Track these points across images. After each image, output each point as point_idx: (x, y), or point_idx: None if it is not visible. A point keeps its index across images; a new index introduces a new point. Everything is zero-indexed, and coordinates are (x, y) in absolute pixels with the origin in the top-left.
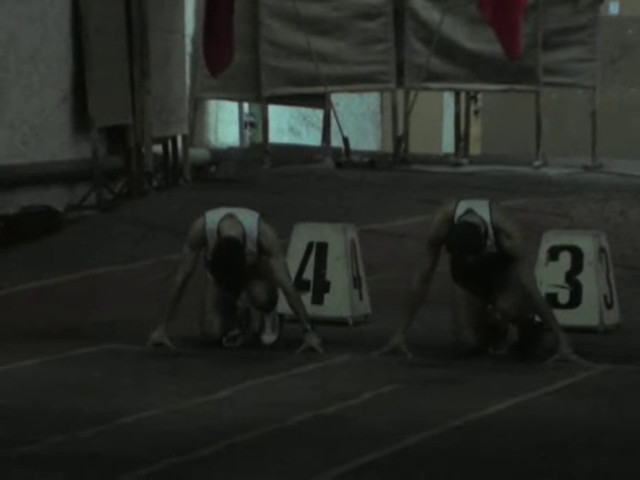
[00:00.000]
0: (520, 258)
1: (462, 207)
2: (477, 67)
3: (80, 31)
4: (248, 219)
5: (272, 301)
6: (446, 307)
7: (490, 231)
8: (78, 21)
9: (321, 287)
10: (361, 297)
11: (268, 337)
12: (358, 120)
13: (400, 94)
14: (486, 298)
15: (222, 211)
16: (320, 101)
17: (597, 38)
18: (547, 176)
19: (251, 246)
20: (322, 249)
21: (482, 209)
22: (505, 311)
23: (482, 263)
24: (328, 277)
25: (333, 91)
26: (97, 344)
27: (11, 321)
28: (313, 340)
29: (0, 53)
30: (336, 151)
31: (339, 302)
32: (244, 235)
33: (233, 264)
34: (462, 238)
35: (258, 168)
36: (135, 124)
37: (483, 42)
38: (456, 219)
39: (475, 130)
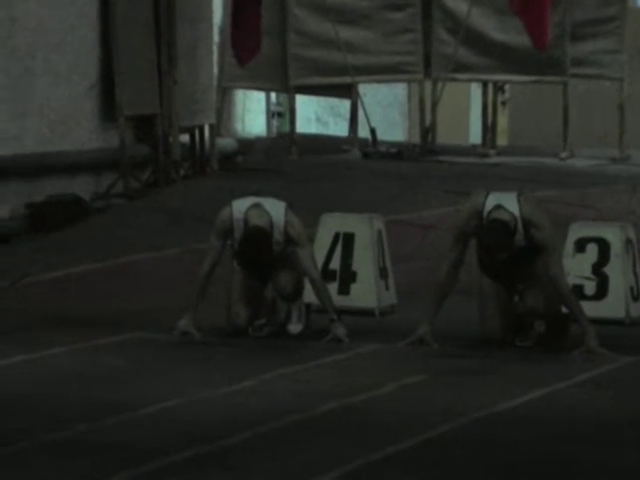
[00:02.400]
0: (549, 249)
1: (491, 201)
2: (505, 58)
3: (108, 19)
4: (275, 208)
5: (297, 292)
6: (473, 298)
7: (519, 225)
8: (106, 9)
9: (348, 277)
10: (387, 287)
11: (294, 327)
12: (385, 110)
13: (427, 85)
14: (513, 288)
15: (249, 200)
16: (347, 91)
17: (625, 30)
18: (574, 167)
19: (278, 236)
20: (349, 239)
21: (511, 203)
22: (533, 309)
23: (511, 256)
24: (355, 267)
25: (360, 81)
26: (123, 333)
27: (38, 309)
28: (339, 330)
29: (27, 41)
30: (363, 141)
31: (365, 292)
32: (271, 225)
33: (260, 253)
34: (493, 237)
35: (285, 158)
36: (162, 113)
37: (511, 33)
38: (485, 213)
39: (502, 121)
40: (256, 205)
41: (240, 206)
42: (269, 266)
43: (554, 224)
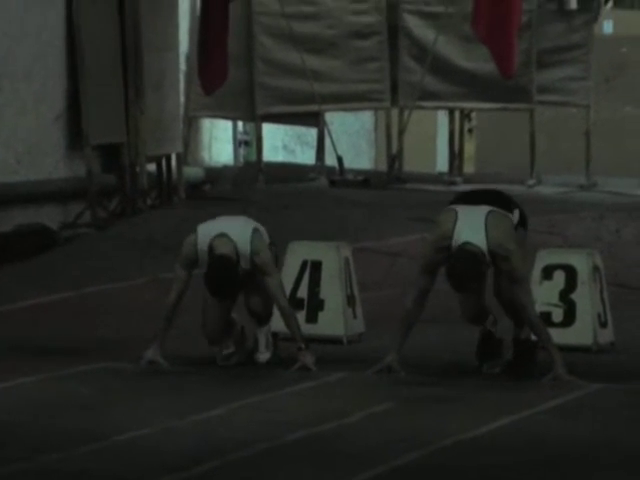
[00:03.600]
0: (517, 278)
1: (459, 229)
2: (471, 85)
3: (74, 49)
4: (241, 238)
5: (267, 313)
6: (440, 325)
7: (488, 257)
8: (73, 39)
9: (315, 305)
10: (355, 315)
11: (262, 355)
12: (352, 138)
13: (394, 112)
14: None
15: (214, 228)
16: (314, 119)
17: (591, 57)
18: (541, 195)
19: (244, 264)
20: (316, 267)
21: (479, 236)
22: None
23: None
24: (322, 295)
25: (327, 110)
26: (92, 362)
27: (7, 339)
28: (307, 358)
29: None
30: (330, 169)
31: (333, 320)
32: (237, 254)
33: (227, 282)
34: (463, 271)
35: (252, 186)
36: (129, 142)
37: (477, 60)
38: (453, 247)
39: (469, 148)
40: (221, 235)
41: (205, 236)
42: (238, 288)
43: (525, 250)
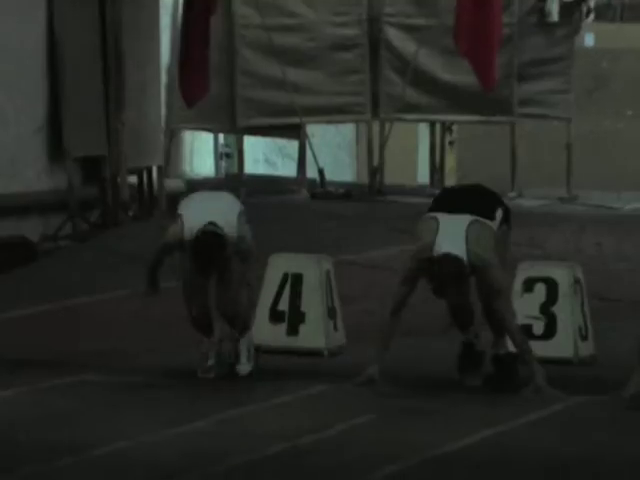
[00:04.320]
0: (497, 291)
1: (439, 244)
2: (452, 98)
3: (55, 61)
4: (228, 224)
5: (238, 316)
6: (420, 338)
7: (468, 268)
8: (53, 52)
9: (296, 318)
10: (336, 328)
11: (243, 367)
12: (333, 151)
13: (375, 125)
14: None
15: (200, 215)
16: (295, 132)
17: (572, 70)
18: (522, 207)
19: (230, 249)
20: (297, 280)
21: (459, 248)
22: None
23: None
24: (303, 308)
25: (308, 122)
26: (71, 375)
27: None
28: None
29: None
30: (311, 182)
31: (314, 333)
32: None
33: (215, 250)
34: (446, 271)
35: None
36: (110, 155)
37: (458, 73)
38: (435, 258)
39: (450, 161)
40: (208, 225)
41: (191, 227)
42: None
43: (505, 262)
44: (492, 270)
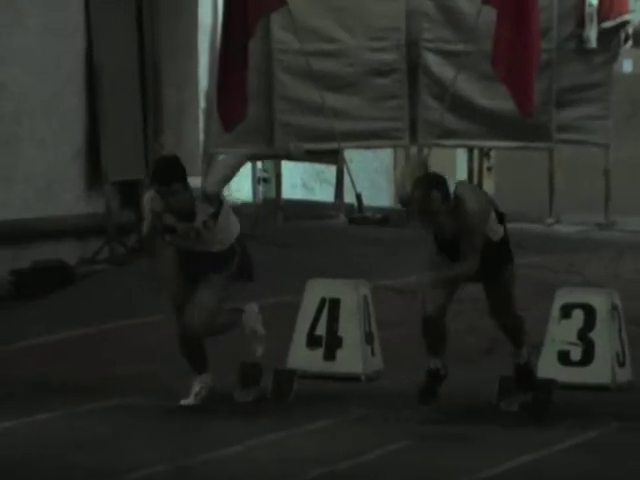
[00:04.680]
0: (467, 233)
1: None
2: (490, 124)
3: (94, 85)
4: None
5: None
6: (465, 365)
7: (452, 201)
8: (92, 75)
9: (333, 343)
10: (373, 353)
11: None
12: (371, 176)
13: (413, 151)
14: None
15: None
16: (333, 157)
17: (611, 95)
18: (560, 233)
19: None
20: (335, 305)
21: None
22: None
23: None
24: (340, 333)
25: (346, 147)
26: (108, 399)
27: (23, 376)
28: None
29: (13, 107)
30: (349, 207)
31: (351, 358)
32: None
33: (174, 166)
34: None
35: (271, 224)
36: (148, 178)
37: (497, 99)
38: None
39: (488, 187)
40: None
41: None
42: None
43: (488, 213)
44: (472, 210)
